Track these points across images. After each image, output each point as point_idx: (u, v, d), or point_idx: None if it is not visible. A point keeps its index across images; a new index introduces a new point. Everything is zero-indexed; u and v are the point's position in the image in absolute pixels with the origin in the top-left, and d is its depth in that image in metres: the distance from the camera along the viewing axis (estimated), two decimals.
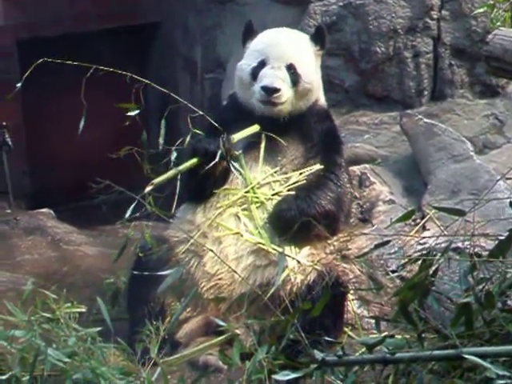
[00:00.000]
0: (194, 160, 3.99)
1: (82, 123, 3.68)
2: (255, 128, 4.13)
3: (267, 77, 4.12)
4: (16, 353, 3.21)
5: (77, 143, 6.20)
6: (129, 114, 3.67)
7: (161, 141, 3.80)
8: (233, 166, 4.07)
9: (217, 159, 3.97)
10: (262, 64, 4.18)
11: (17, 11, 6.11)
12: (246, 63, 4.24)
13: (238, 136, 4.07)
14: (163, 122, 3.81)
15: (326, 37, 4.35)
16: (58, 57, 6.16)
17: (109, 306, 3.51)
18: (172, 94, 3.93)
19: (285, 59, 4.18)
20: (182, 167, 3.94)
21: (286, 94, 4.14)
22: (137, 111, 3.69)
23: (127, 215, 3.67)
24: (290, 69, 4.18)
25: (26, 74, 3.64)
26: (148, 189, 3.79)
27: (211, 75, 6.14)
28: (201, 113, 3.97)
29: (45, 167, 6.46)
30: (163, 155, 3.83)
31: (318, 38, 4.31)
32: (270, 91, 4.10)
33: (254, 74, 4.18)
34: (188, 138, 3.90)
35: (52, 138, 6.46)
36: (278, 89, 4.10)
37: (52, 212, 5.75)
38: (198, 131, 3.95)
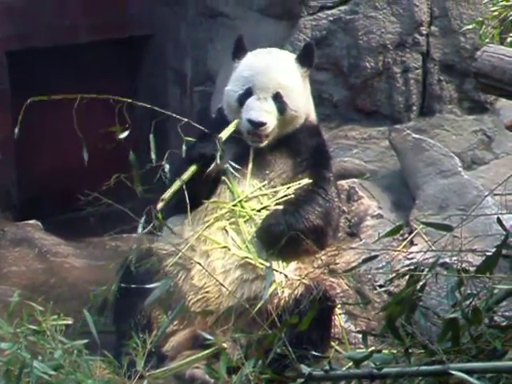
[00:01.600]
0: (193, 167, 3.99)
1: (85, 154, 3.68)
2: (233, 125, 4.13)
3: (253, 109, 4.12)
4: (1, 365, 3.19)
5: (65, 155, 6.20)
6: (119, 136, 3.67)
7: (153, 156, 3.80)
8: (228, 179, 4.08)
9: (217, 160, 3.96)
10: (249, 93, 4.17)
11: (7, 22, 6.10)
12: (233, 90, 4.24)
13: (224, 134, 4.07)
14: (151, 136, 3.80)
15: (315, 55, 4.34)
16: (48, 68, 6.17)
17: (96, 316, 3.50)
18: (158, 109, 3.92)
19: (271, 89, 4.17)
20: (184, 177, 3.95)
21: (272, 124, 4.14)
22: (125, 133, 3.68)
23: (139, 231, 3.65)
24: (277, 98, 4.17)
25: (20, 117, 3.63)
26: (160, 205, 3.80)
27: (201, 88, 6.15)
28: (192, 122, 3.96)
29: (33, 178, 6.45)
30: (154, 169, 3.83)
31: (305, 56, 4.29)
32: (255, 125, 4.10)
33: (241, 101, 4.19)
34: (183, 148, 3.90)
35: (41, 150, 6.45)
36: (264, 123, 4.11)
37: (39, 224, 5.73)
38: (190, 138, 3.95)
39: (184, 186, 3.89)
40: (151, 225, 3.67)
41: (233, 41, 4.41)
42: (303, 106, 4.26)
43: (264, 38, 5.43)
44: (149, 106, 3.88)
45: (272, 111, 4.15)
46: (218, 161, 3.97)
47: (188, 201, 3.88)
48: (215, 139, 3.99)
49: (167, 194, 3.88)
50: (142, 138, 4.26)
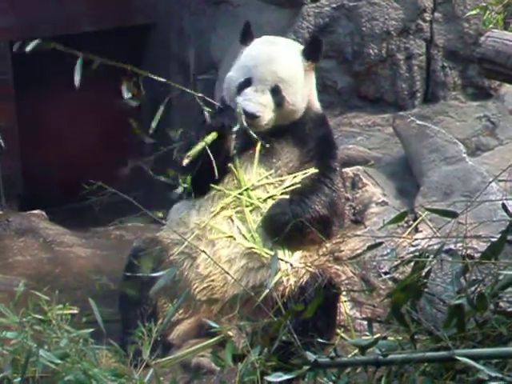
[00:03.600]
0: (214, 133, 3.99)
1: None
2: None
3: (249, 100, 4.11)
4: (8, 354, 3.20)
5: (70, 144, 6.20)
6: (131, 103, 3.65)
7: (153, 125, 3.79)
8: (235, 167, 4.08)
9: (237, 127, 3.97)
10: (248, 82, 4.17)
11: (9, 13, 6.10)
12: (234, 76, 4.23)
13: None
14: (161, 107, 3.79)
15: (322, 49, 4.31)
16: (51, 58, 6.16)
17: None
18: (171, 83, 3.92)
19: (270, 82, 4.16)
20: (207, 139, 3.95)
21: (267, 117, 4.13)
22: (138, 101, 3.67)
23: (179, 190, 3.64)
24: (275, 91, 4.16)
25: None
26: (186, 161, 3.80)
27: (204, 76, 6.14)
28: (205, 97, 3.96)
29: (37, 168, 6.45)
30: (158, 145, 3.81)
31: (312, 50, 4.27)
32: (249, 116, 4.10)
33: (240, 90, 4.18)
34: (207, 116, 3.90)
35: (45, 140, 6.45)
36: (257, 116, 4.10)
37: (44, 213, 5.74)
38: (207, 109, 3.95)
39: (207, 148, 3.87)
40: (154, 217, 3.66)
41: (235, 28, 4.41)
42: (302, 99, 4.24)
43: (267, 25, 5.42)
44: (162, 79, 3.86)
45: (268, 104, 4.14)
46: (237, 128, 3.98)
47: (199, 182, 3.86)
48: (233, 112, 3.99)
49: (192, 152, 3.87)
50: (146, 120, 4.26)
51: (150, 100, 4.00)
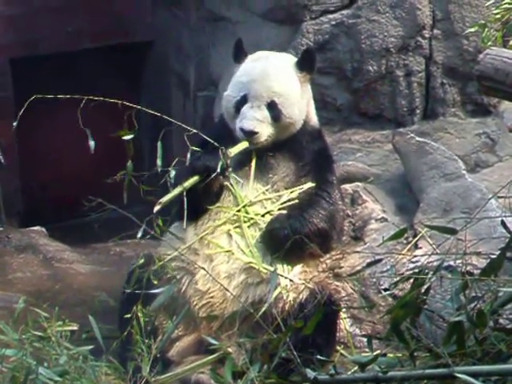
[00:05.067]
0: (196, 177, 3.99)
1: (91, 143, 3.69)
2: (245, 144, 4.14)
3: (246, 118, 4.13)
4: (7, 372, 3.19)
5: (69, 161, 6.21)
6: (124, 138, 3.68)
7: (159, 163, 3.81)
8: (230, 181, 4.09)
9: (218, 171, 3.97)
10: (244, 99, 4.19)
11: (10, 30, 6.12)
12: (231, 95, 4.25)
13: (234, 150, 4.08)
14: (159, 144, 3.81)
15: (315, 60, 4.33)
16: (51, 75, 6.18)
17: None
18: (164, 116, 3.93)
19: (265, 97, 4.17)
20: (186, 184, 3.95)
21: (266, 132, 4.15)
22: (131, 136, 3.69)
23: (139, 236, 3.65)
24: (271, 106, 4.17)
25: (21, 111, 3.64)
26: (156, 208, 3.80)
27: (204, 93, 6.16)
28: (194, 131, 3.97)
29: (37, 185, 6.45)
30: (157, 176, 3.83)
31: (305, 62, 4.28)
32: (247, 134, 4.11)
33: (237, 107, 4.20)
34: (188, 156, 3.91)
35: (45, 156, 6.46)
36: (255, 132, 4.12)
37: (44, 230, 5.74)
38: (196, 148, 3.96)
39: (185, 194, 3.90)
40: (152, 232, 3.66)
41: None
42: (299, 112, 4.25)
43: (266, 42, 5.44)
44: (154, 112, 3.89)
45: (265, 120, 4.15)
46: (219, 173, 3.98)
47: (190, 209, 3.89)
48: (221, 152, 4.00)
49: (165, 198, 3.88)
50: (146, 145, 4.28)
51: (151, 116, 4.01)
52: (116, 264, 5.30)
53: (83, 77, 6.27)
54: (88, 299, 4.64)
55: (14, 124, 3.69)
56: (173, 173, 3.82)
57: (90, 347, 3.36)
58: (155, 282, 3.70)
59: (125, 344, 3.94)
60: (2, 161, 6.07)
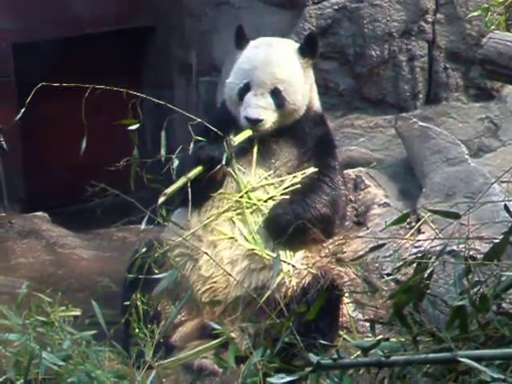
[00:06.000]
0: (200, 168, 3.99)
1: (83, 143, 3.69)
2: (249, 132, 4.14)
3: (250, 106, 4.12)
4: (10, 356, 3.20)
5: (72, 147, 6.21)
6: (129, 128, 3.67)
7: (162, 152, 3.81)
8: (233, 170, 4.08)
9: (223, 163, 3.97)
10: (247, 87, 4.17)
11: (11, 15, 6.11)
12: (234, 82, 4.23)
13: (237, 139, 4.08)
14: (163, 133, 3.81)
15: (318, 45, 4.31)
16: (53, 60, 6.17)
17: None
18: (168, 105, 3.93)
19: (269, 84, 4.16)
20: (190, 174, 3.94)
21: (270, 120, 4.14)
22: (136, 125, 3.68)
23: (143, 227, 3.66)
24: (275, 93, 4.16)
25: (27, 100, 3.63)
26: (161, 200, 3.80)
27: (206, 78, 6.15)
28: (198, 120, 3.96)
29: (40, 170, 6.45)
30: (160, 164, 3.83)
31: (307, 47, 4.26)
32: (251, 122, 4.11)
33: (241, 95, 4.18)
34: (191, 146, 3.91)
35: (47, 142, 6.45)
36: (260, 119, 4.11)
37: (47, 215, 5.74)
38: (199, 138, 3.95)
39: (189, 184, 3.90)
40: (156, 220, 3.67)
41: None
42: (303, 98, 4.24)
43: (268, 27, 5.43)
44: (157, 100, 3.88)
45: (269, 107, 4.14)
46: (224, 164, 3.98)
47: (194, 198, 3.89)
48: (225, 142, 3.99)
49: (170, 190, 3.88)
50: (148, 128, 4.27)
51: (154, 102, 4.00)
52: (119, 249, 5.30)
53: (85, 62, 6.26)
54: (91, 284, 4.65)
55: (21, 112, 3.67)
56: (176, 162, 3.82)
57: (93, 332, 3.37)
58: (156, 271, 3.70)
59: (128, 329, 3.95)
60: (5, 146, 6.07)
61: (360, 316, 4.16)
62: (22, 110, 3.67)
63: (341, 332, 4.05)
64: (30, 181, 6.34)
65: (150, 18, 6.53)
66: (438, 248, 3.23)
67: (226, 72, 4.67)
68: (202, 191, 4.04)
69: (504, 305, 3.09)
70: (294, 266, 3.99)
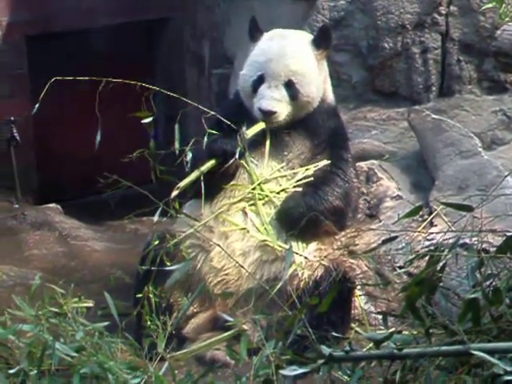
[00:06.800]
0: (213, 161, 3.99)
1: (98, 136, 3.69)
2: (262, 125, 4.14)
3: (264, 98, 4.11)
4: (24, 347, 3.22)
5: (85, 139, 6.22)
6: (143, 121, 3.67)
7: (176, 145, 3.81)
8: (246, 162, 4.08)
9: (236, 157, 3.97)
10: (261, 79, 4.17)
11: (25, 7, 6.12)
12: (248, 75, 4.23)
13: (250, 132, 4.07)
14: (176, 126, 3.81)
15: (331, 37, 4.30)
16: (66, 52, 6.18)
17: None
18: (181, 98, 3.93)
19: (283, 77, 4.15)
20: (203, 168, 3.95)
21: (284, 112, 4.14)
22: (150, 118, 3.68)
23: (156, 219, 3.67)
24: (289, 85, 4.15)
25: (42, 94, 3.64)
26: (174, 193, 3.81)
27: (219, 70, 6.15)
28: (211, 112, 3.96)
29: (52, 162, 6.48)
30: (172, 156, 3.84)
31: (321, 39, 4.25)
32: (265, 114, 4.10)
33: (255, 87, 4.18)
34: (205, 138, 3.91)
35: (60, 133, 6.47)
36: (274, 112, 4.10)
37: (59, 207, 5.77)
38: (212, 131, 3.95)
39: (202, 178, 3.90)
40: (168, 213, 3.68)
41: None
42: (317, 90, 4.24)
43: (281, 19, 5.42)
44: (170, 93, 3.88)
45: (283, 99, 4.14)
46: (237, 157, 3.98)
47: (206, 190, 3.89)
48: (238, 135, 3.99)
49: (183, 183, 3.89)
50: (161, 119, 4.27)
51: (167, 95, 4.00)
52: (131, 241, 5.32)
53: (98, 54, 6.27)
54: (103, 276, 4.66)
55: (36, 105, 3.67)
56: (190, 154, 3.82)
57: (106, 324, 3.38)
58: (168, 264, 3.71)
59: (140, 321, 3.97)
60: (18, 138, 6.09)
61: (372, 308, 4.16)
62: (37, 105, 3.67)
63: (353, 324, 4.04)
64: (42, 173, 6.36)
65: (163, 10, 6.53)
66: (451, 241, 3.23)
67: (239, 64, 4.67)
68: (215, 184, 4.04)
69: None
70: (306, 257, 3.99)
